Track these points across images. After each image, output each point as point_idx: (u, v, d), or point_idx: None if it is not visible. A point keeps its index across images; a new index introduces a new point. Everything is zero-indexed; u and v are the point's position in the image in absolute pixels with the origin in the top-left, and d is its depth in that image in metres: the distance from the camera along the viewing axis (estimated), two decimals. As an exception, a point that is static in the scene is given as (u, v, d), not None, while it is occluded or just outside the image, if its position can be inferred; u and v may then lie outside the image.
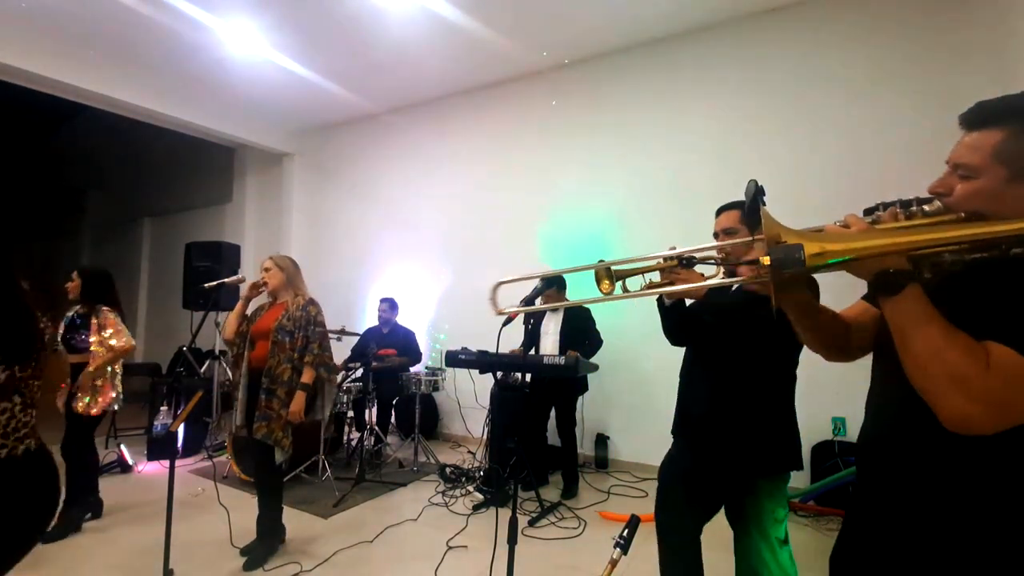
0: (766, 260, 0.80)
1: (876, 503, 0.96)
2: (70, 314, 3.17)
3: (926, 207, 0.86)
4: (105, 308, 3.10)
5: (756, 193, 0.90)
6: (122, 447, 4.25)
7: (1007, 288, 0.78)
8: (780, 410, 1.67)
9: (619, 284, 1.60)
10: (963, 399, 0.73)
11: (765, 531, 1.65)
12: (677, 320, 1.77)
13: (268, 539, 2.73)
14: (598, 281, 1.62)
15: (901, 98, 3.59)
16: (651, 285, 1.60)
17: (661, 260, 1.59)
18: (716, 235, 1.79)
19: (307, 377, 2.67)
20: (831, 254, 0.79)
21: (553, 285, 3.76)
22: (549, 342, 3.86)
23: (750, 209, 0.89)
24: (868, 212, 0.94)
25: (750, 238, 0.95)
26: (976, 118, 0.85)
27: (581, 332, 3.80)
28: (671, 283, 1.56)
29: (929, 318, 0.77)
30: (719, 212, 1.82)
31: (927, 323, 0.77)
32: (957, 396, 0.73)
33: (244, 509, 2.75)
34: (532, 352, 3.91)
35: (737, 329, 1.62)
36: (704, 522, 1.74)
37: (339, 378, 4.30)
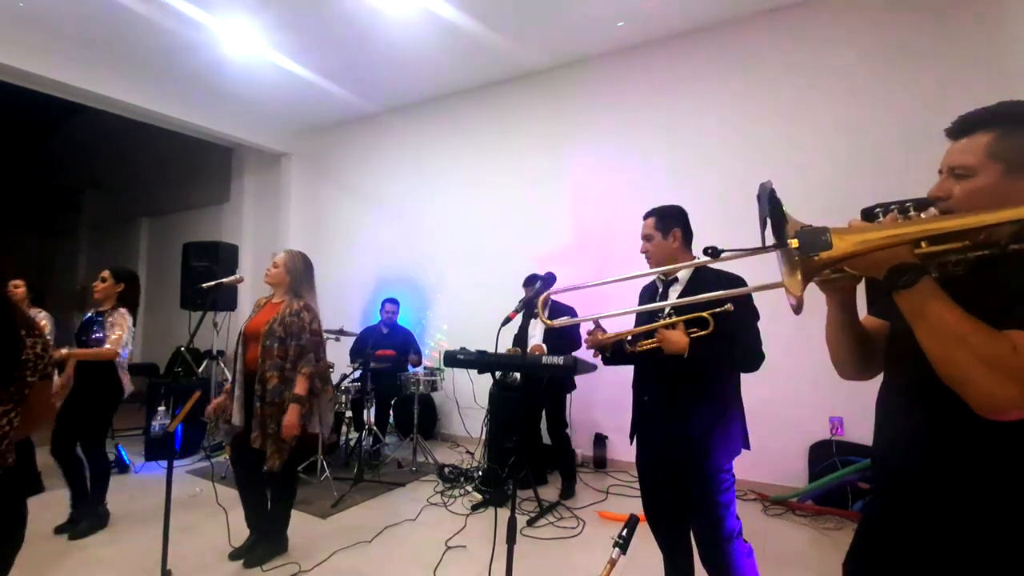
0: (794, 243, 0.82)
1: (892, 515, 0.97)
2: (89, 313, 3.15)
3: (923, 214, 0.88)
4: (123, 309, 3.10)
5: (772, 194, 0.90)
6: (119, 448, 4.24)
7: (1014, 283, 0.80)
8: (727, 395, 1.84)
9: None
10: (995, 382, 0.73)
11: (714, 518, 1.76)
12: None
13: (271, 540, 2.71)
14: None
15: (899, 99, 3.59)
16: (639, 348, 1.87)
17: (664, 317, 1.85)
18: (646, 238, 1.99)
19: (300, 388, 2.52)
20: (852, 240, 0.81)
21: (549, 287, 3.75)
22: (534, 343, 3.86)
23: (769, 211, 0.90)
24: (865, 214, 0.95)
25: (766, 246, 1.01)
26: (962, 127, 0.91)
27: (564, 335, 3.78)
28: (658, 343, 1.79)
29: (949, 307, 0.79)
30: (644, 218, 2.02)
31: (948, 312, 0.78)
32: (989, 379, 0.74)
33: (242, 509, 2.74)
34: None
35: (712, 358, 1.78)
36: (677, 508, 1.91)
37: (334, 386, 4.28)
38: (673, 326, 1.79)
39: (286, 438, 2.50)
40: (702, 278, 1.86)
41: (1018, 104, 0.87)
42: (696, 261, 1.86)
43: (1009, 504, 0.80)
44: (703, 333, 1.73)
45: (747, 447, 1.83)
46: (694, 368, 1.75)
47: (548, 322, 1.50)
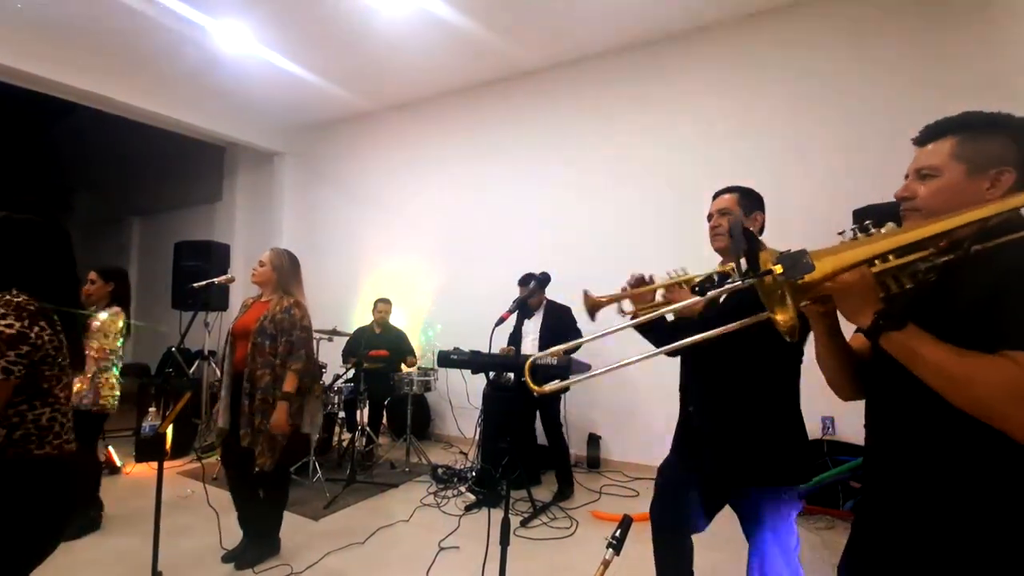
0: (778, 269, 0.85)
1: (884, 514, 0.99)
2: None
3: (882, 229, 0.92)
4: (116, 308, 3.08)
5: (744, 229, 0.95)
6: (110, 449, 4.20)
7: (981, 283, 0.83)
8: (784, 419, 1.60)
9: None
10: None
11: (781, 539, 1.60)
12: (664, 336, 1.76)
13: (263, 542, 2.69)
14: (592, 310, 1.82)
15: (891, 101, 3.62)
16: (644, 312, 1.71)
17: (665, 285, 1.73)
18: (710, 216, 1.78)
19: (290, 385, 2.50)
20: (831, 260, 0.86)
21: (544, 286, 3.75)
22: (529, 342, 3.85)
23: (746, 244, 0.93)
24: (857, 215, 0.98)
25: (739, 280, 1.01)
26: (929, 134, 0.99)
27: (562, 332, 3.79)
28: (667, 303, 1.62)
29: (940, 347, 0.81)
30: (716, 196, 1.80)
31: (942, 354, 0.81)
32: (1020, 411, 0.75)
33: (233, 511, 2.73)
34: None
35: (734, 340, 1.55)
36: (699, 525, 1.73)
37: (325, 384, 4.27)
38: (679, 286, 1.66)
39: (276, 436, 2.50)
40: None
41: (980, 113, 0.95)
42: (734, 285, 1.61)
43: (997, 502, 0.82)
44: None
45: (805, 480, 1.60)
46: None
47: (537, 388, 1.28)
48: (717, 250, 1.77)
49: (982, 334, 0.81)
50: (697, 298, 1.47)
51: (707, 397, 1.70)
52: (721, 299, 1.65)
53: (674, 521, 1.76)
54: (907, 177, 1.00)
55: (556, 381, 1.41)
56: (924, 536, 0.89)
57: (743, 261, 0.94)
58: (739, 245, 0.94)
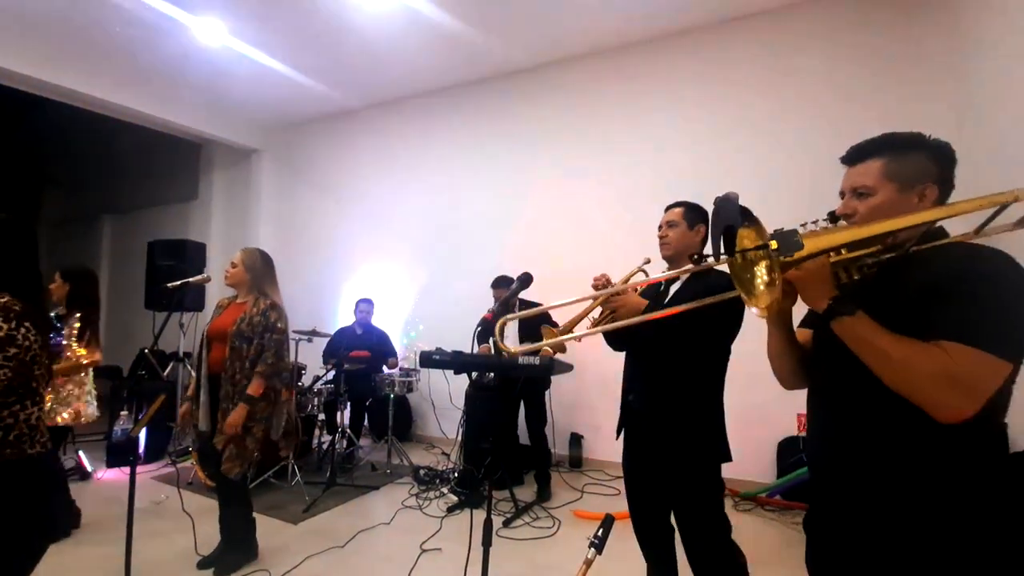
0: (774, 244, 0.94)
1: (823, 506, 1.10)
2: (52, 314, 3.01)
3: (839, 223, 1.04)
4: (77, 314, 2.96)
5: (742, 208, 1.02)
6: (80, 453, 4.08)
7: (919, 279, 0.94)
8: (714, 406, 1.79)
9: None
10: (955, 395, 0.85)
11: (702, 522, 1.74)
12: (614, 338, 2.00)
13: (240, 548, 2.64)
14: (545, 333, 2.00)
15: (864, 108, 3.71)
16: (596, 322, 1.87)
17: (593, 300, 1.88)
18: (661, 226, 1.94)
19: (253, 389, 2.45)
20: (814, 241, 0.95)
21: (527, 286, 3.77)
22: (508, 342, 3.85)
23: (744, 218, 1.03)
24: (832, 216, 1.08)
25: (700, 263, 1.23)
26: (857, 155, 1.08)
27: (537, 328, 3.79)
28: (614, 312, 1.78)
29: (885, 334, 0.92)
30: (667, 209, 1.96)
31: (886, 339, 0.91)
32: (941, 392, 0.86)
33: (209, 517, 2.67)
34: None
35: (675, 335, 1.70)
36: (664, 510, 1.87)
37: (304, 386, 4.21)
38: (633, 290, 1.81)
39: (247, 442, 2.47)
40: (702, 278, 1.72)
41: (901, 134, 1.05)
42: (689, 267, 1.61)
43: (928, 477, 0.92)
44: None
45: (729, 459, 1.77)
46: (656, 337, 1.72)
47: (505, 348, 1.52)
48: (665, 258, 1.93)
49: (917, 323, 0.91)
50: (642, 300, 1.70)
51: (648, 384, 1.86)
52: (669, 295, 1.87)
53: (659, 550, 1.90)
54: (843, 195, 1.09)
55: (527, 345, 1.56)
56: (866, 515, 0.98)
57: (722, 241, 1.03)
58: (728, 219, 1.00)
